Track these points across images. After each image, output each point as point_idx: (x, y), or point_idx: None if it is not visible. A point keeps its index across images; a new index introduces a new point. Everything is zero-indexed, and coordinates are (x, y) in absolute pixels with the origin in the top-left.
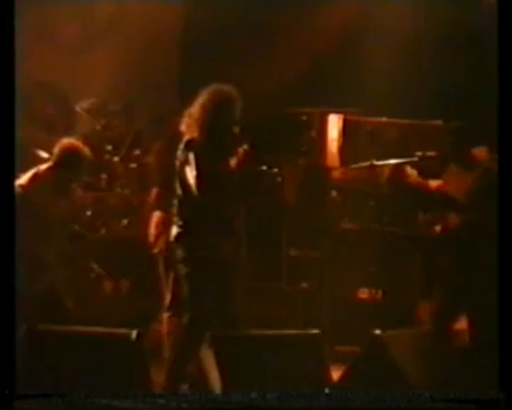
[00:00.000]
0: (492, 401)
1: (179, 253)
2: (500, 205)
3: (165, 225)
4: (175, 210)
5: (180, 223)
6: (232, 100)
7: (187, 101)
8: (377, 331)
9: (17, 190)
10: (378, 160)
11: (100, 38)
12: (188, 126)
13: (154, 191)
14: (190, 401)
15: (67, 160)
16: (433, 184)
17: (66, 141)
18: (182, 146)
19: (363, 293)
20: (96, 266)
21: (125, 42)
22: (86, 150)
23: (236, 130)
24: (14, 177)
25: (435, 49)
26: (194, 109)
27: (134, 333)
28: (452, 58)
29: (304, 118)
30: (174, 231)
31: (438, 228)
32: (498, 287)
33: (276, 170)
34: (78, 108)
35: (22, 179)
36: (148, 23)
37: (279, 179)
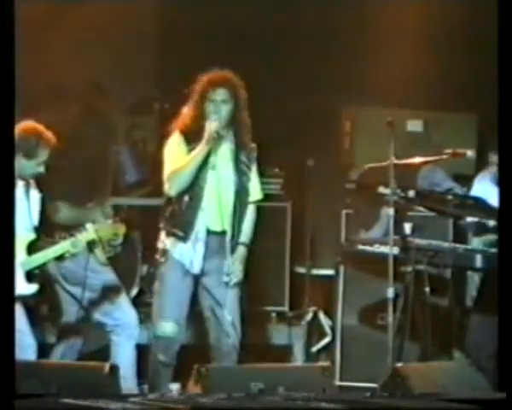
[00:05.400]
0: (493, 401)
1: None
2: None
3: None
4: None
5: None
6: None
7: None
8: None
9: None
10: (399, 157)
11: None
12: None
13: None
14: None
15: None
16: None
17: (23, 124)
18: None
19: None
20: None
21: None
22: (48, 135)
23: None
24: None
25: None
26: None
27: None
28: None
29: (310, 108)
30: None
31: None
32: (498, 287)
33: (276, 170)
34: None
35: None
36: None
37: (280, 181)
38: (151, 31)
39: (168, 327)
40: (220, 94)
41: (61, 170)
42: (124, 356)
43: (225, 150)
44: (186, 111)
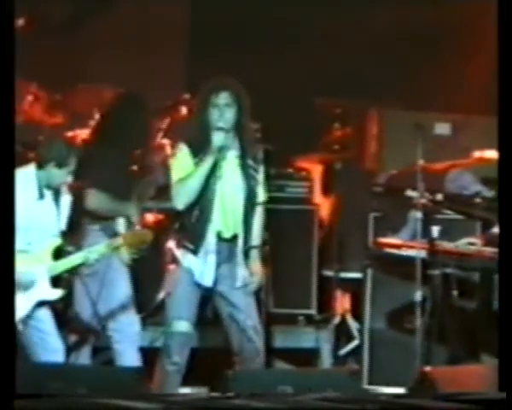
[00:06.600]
0: (493, 401)
1: None
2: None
3: None
4: None
5: None
6: None
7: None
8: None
9: None
10: (427, 160)
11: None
12: None
13: None
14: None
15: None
16: None
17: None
18: None
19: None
20: None
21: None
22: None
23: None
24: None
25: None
26: None
27: None
28: None
29: (337, 111)
30: None
31: None
32: (499, 287)
33: (304, 173)
34: None
35: None
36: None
37: (308, 184)
38: (180, 35)
39: (182, 325)
40: (223, 98)
41: (104, 161)
42: (128, 362)
43: (232, 158)
44: (190, 121)
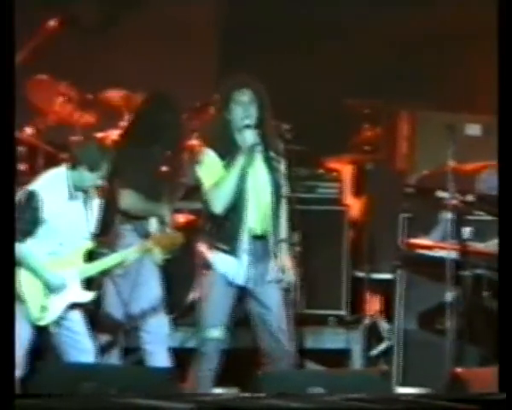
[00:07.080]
0: (493, 401)
1: None
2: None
3: None
4: None
5: None
6: None
7: None
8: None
9: None
10: (457, 161)
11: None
12: None
13: None
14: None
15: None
16: None
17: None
18: None
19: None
20: None
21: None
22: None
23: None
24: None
25: None
26: None
27: None
28: None
29: (368, 112)
30: None
31: None
32: (499, 287)
33: (334, 174)
34: None
35: None
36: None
37: (339, 185)
38: (211, 35)
39: (216, 332)
40: (247, 94)
41: (138, 162)
42: (159, 363)
43: (257, 154)
44: (213, 122)
